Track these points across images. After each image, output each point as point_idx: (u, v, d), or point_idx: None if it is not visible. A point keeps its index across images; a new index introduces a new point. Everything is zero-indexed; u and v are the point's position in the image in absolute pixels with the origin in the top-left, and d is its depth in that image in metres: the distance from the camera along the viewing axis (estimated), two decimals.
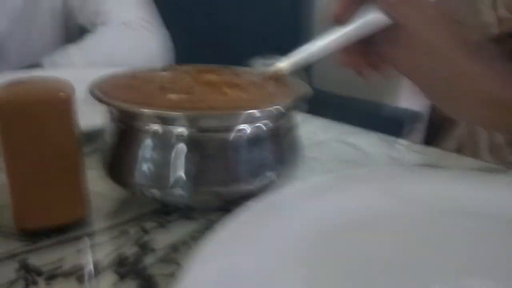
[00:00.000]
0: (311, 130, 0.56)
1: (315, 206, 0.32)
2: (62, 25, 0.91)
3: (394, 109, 1.70)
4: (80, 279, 0.28)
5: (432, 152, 0.54)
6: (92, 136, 0.37)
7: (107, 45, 0.78)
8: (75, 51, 0.74)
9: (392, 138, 0.55)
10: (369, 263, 0.27)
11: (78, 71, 0.54)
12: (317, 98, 0.63)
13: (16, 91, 0.30)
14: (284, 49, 0.39)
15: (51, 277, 0.28)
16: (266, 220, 0.30)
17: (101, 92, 0.34)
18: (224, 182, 0.34)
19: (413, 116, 1.60)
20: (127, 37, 0.80)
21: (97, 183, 0.35)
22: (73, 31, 0.92)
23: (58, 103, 0.30)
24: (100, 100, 0.33)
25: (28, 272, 0.28)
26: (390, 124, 1.43)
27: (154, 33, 0.83)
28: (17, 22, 0.86)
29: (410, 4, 0.32)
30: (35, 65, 0.71)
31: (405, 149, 0.55)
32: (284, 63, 0.37)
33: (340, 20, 0.34)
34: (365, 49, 0.35)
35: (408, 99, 2.06)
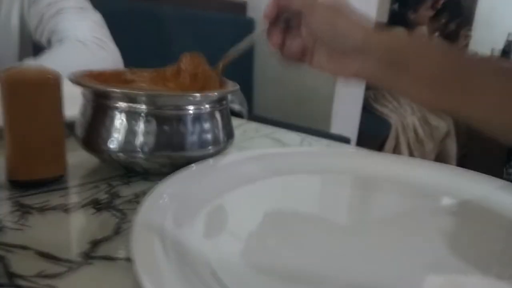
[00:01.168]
0: (245, 129, 0.68)
1: (241, 168, 0.44)
2: (18, 41, 0.98)
3: (325, 134, 1.88)
4: (66, 211, 0.37)
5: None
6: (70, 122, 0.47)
7: (64, 59, 0.86)
8: (35, 63, 0.82)
9: (314, 138, 0.68)
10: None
11: None
12: (256, 121, 0.75)
13: (18, 73, 0.39)
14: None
15: (42, 209, 0.37)
16: (199, 177, 0.41)
17: (79, 79, 0.44)
18: (173, 149, 0.44)
19: (343, 141, 1.78)
20: (82, 52, 0.89)
21: (74, 152, 0.45)
22: (29, 47, 1.00)
23: (50, 83, 0.40)
24: (79, 84, 0.43)
25: (23, 207, 0.37)
26: None
27: (106, 49, 0.93)
28: None
29: None
30: None
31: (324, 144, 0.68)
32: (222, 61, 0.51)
33: (268, 18, 0.48)
34: (286, 32, 0.49)
35: (339, 126, 2.26)
